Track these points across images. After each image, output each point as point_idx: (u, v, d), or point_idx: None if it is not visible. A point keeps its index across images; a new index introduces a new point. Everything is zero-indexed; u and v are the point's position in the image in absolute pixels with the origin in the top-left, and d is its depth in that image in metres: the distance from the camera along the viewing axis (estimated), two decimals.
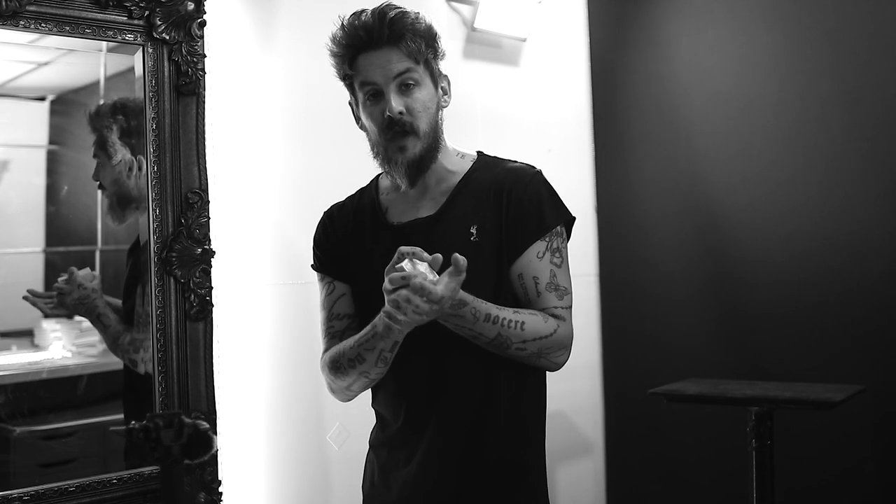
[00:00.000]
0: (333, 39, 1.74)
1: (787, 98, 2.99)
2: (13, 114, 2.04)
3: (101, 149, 2.04)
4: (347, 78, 1.76)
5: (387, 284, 1.54)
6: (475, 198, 1.74)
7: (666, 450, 3.24)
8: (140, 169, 2.04)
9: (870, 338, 2.80)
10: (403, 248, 1.57)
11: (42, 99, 2.08)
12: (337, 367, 1.75)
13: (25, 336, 2.06)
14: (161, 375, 2.02)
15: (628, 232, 3.35)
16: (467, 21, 2.98)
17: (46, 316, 2.06)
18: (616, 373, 3.38)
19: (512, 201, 1.72)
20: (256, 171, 2.41)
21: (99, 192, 2.06)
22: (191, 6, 2.03)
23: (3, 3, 1.79)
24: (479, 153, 1.84)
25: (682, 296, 3.20)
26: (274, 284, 2.40)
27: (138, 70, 2.02)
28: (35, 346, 2.06)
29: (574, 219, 1.79)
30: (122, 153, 2.05)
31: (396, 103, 1.69)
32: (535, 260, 1.72)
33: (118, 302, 2.09)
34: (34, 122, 2.08)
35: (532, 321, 1.68)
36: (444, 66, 1.81)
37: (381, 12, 1.71)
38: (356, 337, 1.71)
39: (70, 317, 2.10)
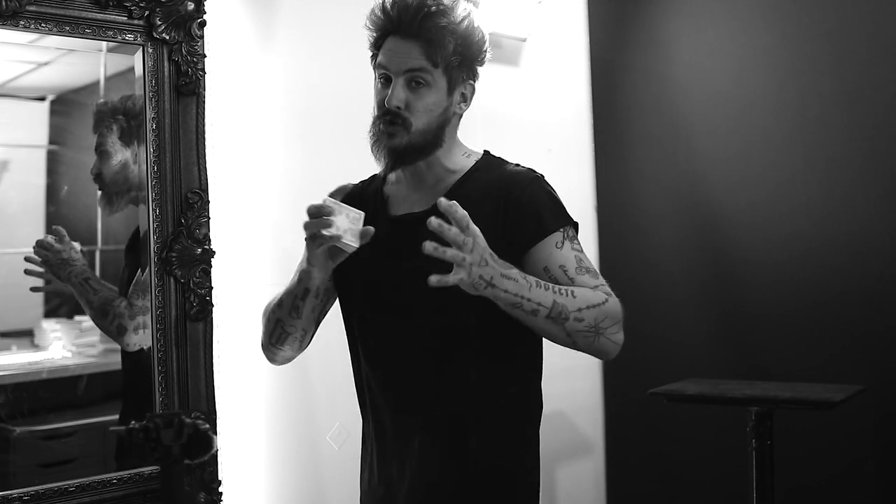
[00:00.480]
0: (372, 11, 1.74)
1: (787, 98, 2.99)
2: (13, 114, 2.04)
3: (102, 145, 2.04)
4: (374, 55, 1.76)
5: (306, 220, 1.58)
6: (471, 198, 1.71)
7: (666, 450, 3.24)
8: (136, 164, 2.04)
9: (870, 338, 2.81)
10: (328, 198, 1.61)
11: (42, 99, 2.08)
12: (263, 313, 1.79)
13: (25, 336, 2.06)
14: (161, 375, 2.02)
15: (628, 232, 3.35)
16: None
17: (46, 315, 2.06)
18: (616, 373, 3.37)
19: (510, 204, 1.69)
20: (256, 171, 2.41)
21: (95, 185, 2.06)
22: (191, 6, 2.03)
23: (3, 3, 1.79)
24: (486, 153, 1.83)
25: (682, 296, 3.20)
26: (274, 284, 2.39)
27: (138, 70, 2.02)
28: (35, 346, 2.06)
29: (577, 224, 1.76)
30: (122, 153, 2.05)
31: (397, 97, 1.68)
32: (555, 251, 1.67)
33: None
34: (34, 122, 2.08)
35: (580, 290, 1.61)
36: (481, 69, 1.78)
37: (421, 3, 1.69)
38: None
39: (70, 316, 2.10)
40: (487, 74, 1.87)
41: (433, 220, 1.46)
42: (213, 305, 2.07)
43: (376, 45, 1.75)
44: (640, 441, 3.30)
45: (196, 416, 1.98)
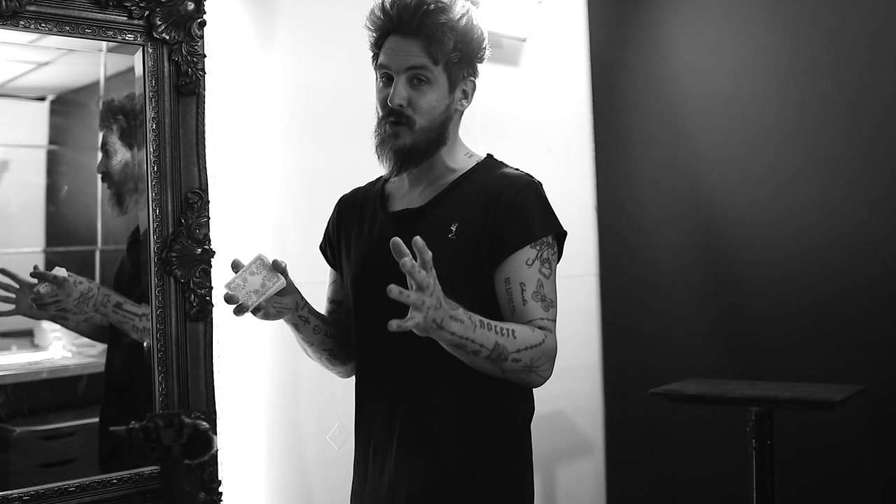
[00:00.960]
0: (372, 11, 1.74)
1: (787, 98, 2.99)
2: (13, 114, 2.04)
3: (106, 144, 2.05)
4: (374, 55, 1.77)
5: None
6: (465, 197, 1.73)
7: (666, 450, 3.24)
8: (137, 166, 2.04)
9: (870, 338, 2.81)
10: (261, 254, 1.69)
11: (42, 99, 2.08)
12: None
13: (25, 336, 2.05)
14: (161, 375, 2.02)
15: (628, 232, 3.35)
16: None
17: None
18: (616, 373, 3.38)
19: (500, 205, 1.69)
20: (256, 171, 2.41)
21: (103, 184, 2.06)
22: (191, 6, 2.03)
23: (4, 3, 1.79)
24: (488, 155, 1.83)
25: (682, 295, 3.20)
26: None
27: (138, 70, 2.02)
28: (35, 346, 2.05)
29: (566, 233, 1.75)
30: (122, 153, 2.05)
31: (400, 95, 1.70)
32: (523, 266, 1.67)
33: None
34: (34, 122, 2.08)
35: (521, 329, 1.63)
36: (481, 68, 1.79)
37: (420, 1, 1.70)
38: None
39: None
40: (487, 74, 1.87)
41: (407, 262, 1.44)
42: (213, 305, 2.07)
43: (377, 45, 1.76)
44: (640, 441, 3.30)
45: (196, 416, 1.98)
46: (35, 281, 1.93)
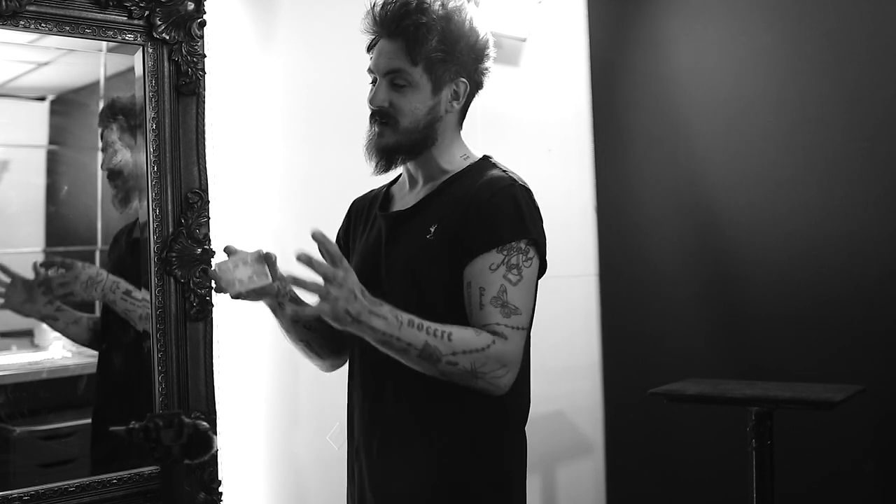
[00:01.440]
0: (366, 15, 1.77)
1: (787, 98, 2.99)
2: (13, 114, 2.04)
3: (108, 144, 2.05)
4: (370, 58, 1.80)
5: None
6: (449, 199, 1.73)
7: (666, 450, 3.24)
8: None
9: (870, 338, 2.81)
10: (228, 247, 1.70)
11: (42, 99, 2.08)
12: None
13: (25, 336, 2.05)
14: (161, 375, 2.02)
15: (628, 231, 3.35)
16: None
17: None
18: (616, 373, 3.37)
19: (472, 207, 1.67)
20: (256, 171, 2.41)
21: (107, 181, 2.05)
22: (191, 6, 2.03)
23: (4, 3, 1.79)
24: (484, 157, 1.82)
25: (681, 295, 3.20)
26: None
27: (138, 70, 2.02)
28: (35, 346, 2.05)
29: (544, 241, 1.70)
30: (122, 153, 2.05)
31: (380, 97, 1.73)
32: (486, 271, 1.63)
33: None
34: (34, 122, 2.08)
35: (460, 332, 1.59)
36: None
37: (404, 2, 1.71)
38: None
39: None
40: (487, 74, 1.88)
41: (303, 255, 1.51)
42: (213, 305, 2.07)
43: (369, 49, 1.78)
44: (640, 441, 3.30)
45: (196, 416, 1.98)
46: (33, 276, 1.94)
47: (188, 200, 2.04)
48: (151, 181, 2.01)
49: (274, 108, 2.46)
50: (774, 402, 2.47)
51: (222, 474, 2.11)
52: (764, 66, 3.04)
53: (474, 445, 1.69)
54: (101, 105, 2.08)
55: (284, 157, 2.48)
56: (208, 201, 2.07)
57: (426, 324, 1.57)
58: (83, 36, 1.93)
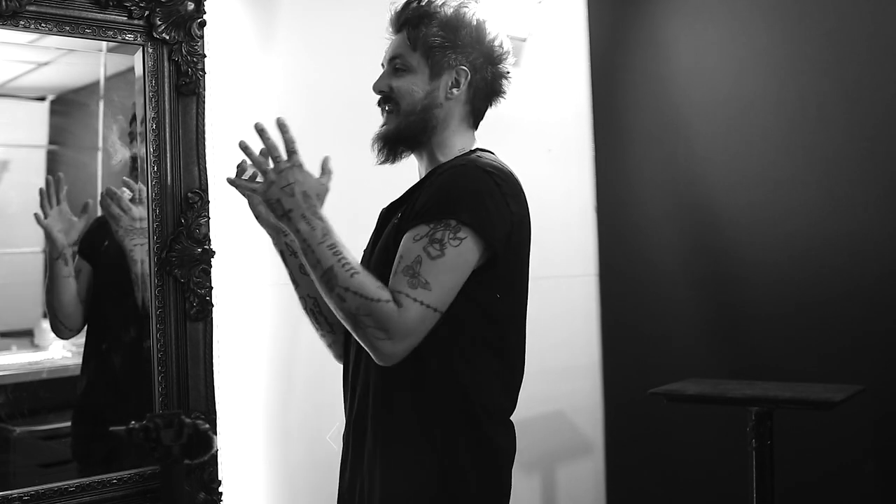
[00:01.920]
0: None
1: (787, 98, 2.99)
2: (13, 114, 2.04)
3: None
4: None
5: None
6: (422, 188, 1.73)
7: (666, 450, 3.24)
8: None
9: (870, 338, 2.81)
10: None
11: (42, 99, 2.08)
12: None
13: (25, 336, 2.05)
14: (161, 375, 2.02)
15: (628, 231, 3.35)
16: None
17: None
18: (616, 373, 3.37)
19: (425, 186, 1.71)
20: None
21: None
22: (191, 6, 2.03)
23: (4, 3, 1.79)
24: (476, 149, 1.83)
25: (682, 295, 3.20)
26: (274, 284, 2.40)
27: (138, 70, 2.02)
28: (35, 346, 2.05)
29: (487, 227, 1.60)
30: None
31: (380, 82, 1.79)
32: (409, 240, 1.60)
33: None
34: (34, 122, 2.08)
35: (365, 276, 1.58)
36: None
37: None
38: None
39: None
40: None
41: (258, 123, 1.68)
42: (213, 305, 2.07)
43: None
44: (640, 441, 3.30)
45: (196, 416, 1.98)
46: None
47: (188, 200, 2.04)
48: (151, 181, 2.01)
49: (274, 109, 2.46)
50: (774, 402, 2.47)
51: (222, 474, 2.11)
52: (764, 66, 3.04)
53: (457, 443, 1.66)
54: (101, 105, 2.08)
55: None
56: (208, 201, 2.07)
57: (344, 253, 1.60)
58: (83, 36, 1.93)
